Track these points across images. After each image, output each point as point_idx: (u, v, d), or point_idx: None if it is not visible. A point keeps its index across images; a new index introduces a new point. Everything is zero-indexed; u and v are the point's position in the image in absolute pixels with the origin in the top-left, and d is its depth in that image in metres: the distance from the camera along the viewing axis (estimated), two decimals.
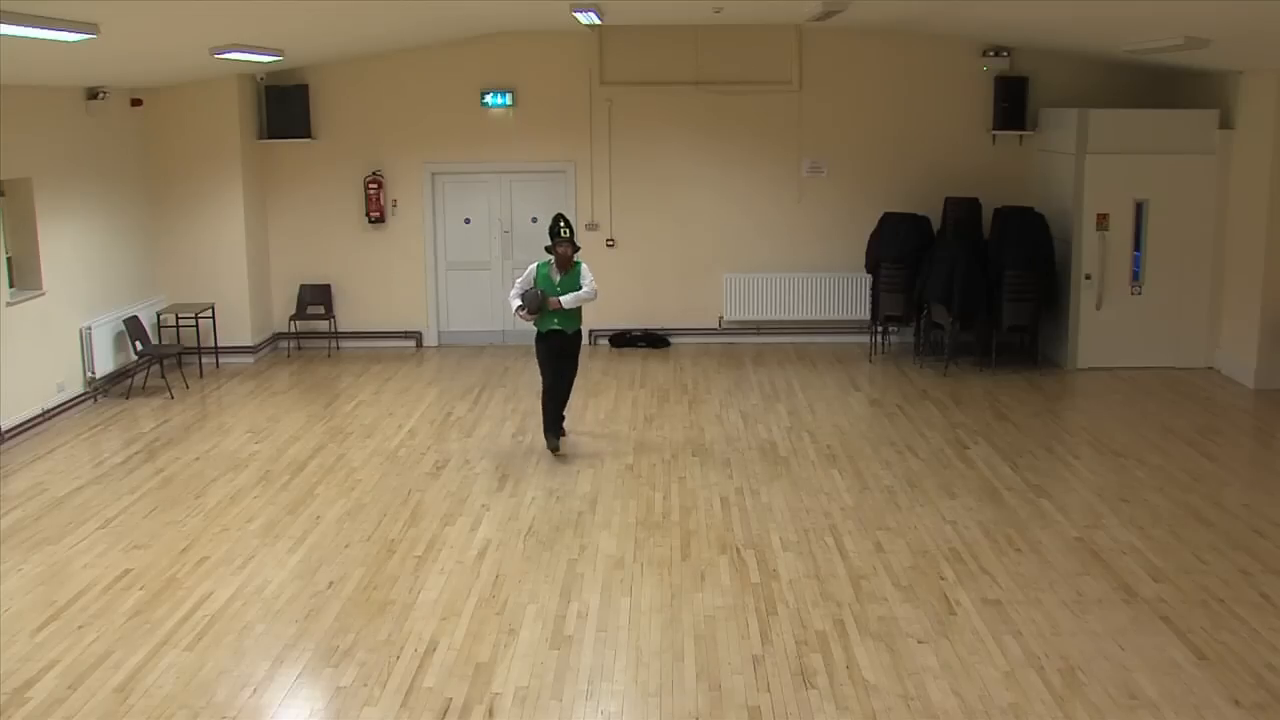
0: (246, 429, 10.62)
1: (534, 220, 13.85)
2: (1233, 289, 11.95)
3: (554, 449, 9.69)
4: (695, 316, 13.88)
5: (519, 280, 9.68)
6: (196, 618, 6.71)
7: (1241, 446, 9.98)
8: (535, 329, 9.68)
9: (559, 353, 9.67)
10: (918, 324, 13.06)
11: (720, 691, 5.80)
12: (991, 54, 13.25)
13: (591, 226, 13.75)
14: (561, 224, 9.59)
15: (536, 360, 9.81)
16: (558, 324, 9.58)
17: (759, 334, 13.94)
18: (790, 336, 13.86)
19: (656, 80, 13.47)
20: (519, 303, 9.51)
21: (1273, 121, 11.16)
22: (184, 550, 7.73)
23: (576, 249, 9.72)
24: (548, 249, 9.64)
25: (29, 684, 5.95)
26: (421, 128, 13.60)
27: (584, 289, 9.59)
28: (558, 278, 9.57)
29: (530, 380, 12.30)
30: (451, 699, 5.77)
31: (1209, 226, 12.11)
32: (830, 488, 8.81)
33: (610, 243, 13.77)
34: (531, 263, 9.85)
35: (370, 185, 13.60)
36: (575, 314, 9.70)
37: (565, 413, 9.94)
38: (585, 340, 13.93)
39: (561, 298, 9.48)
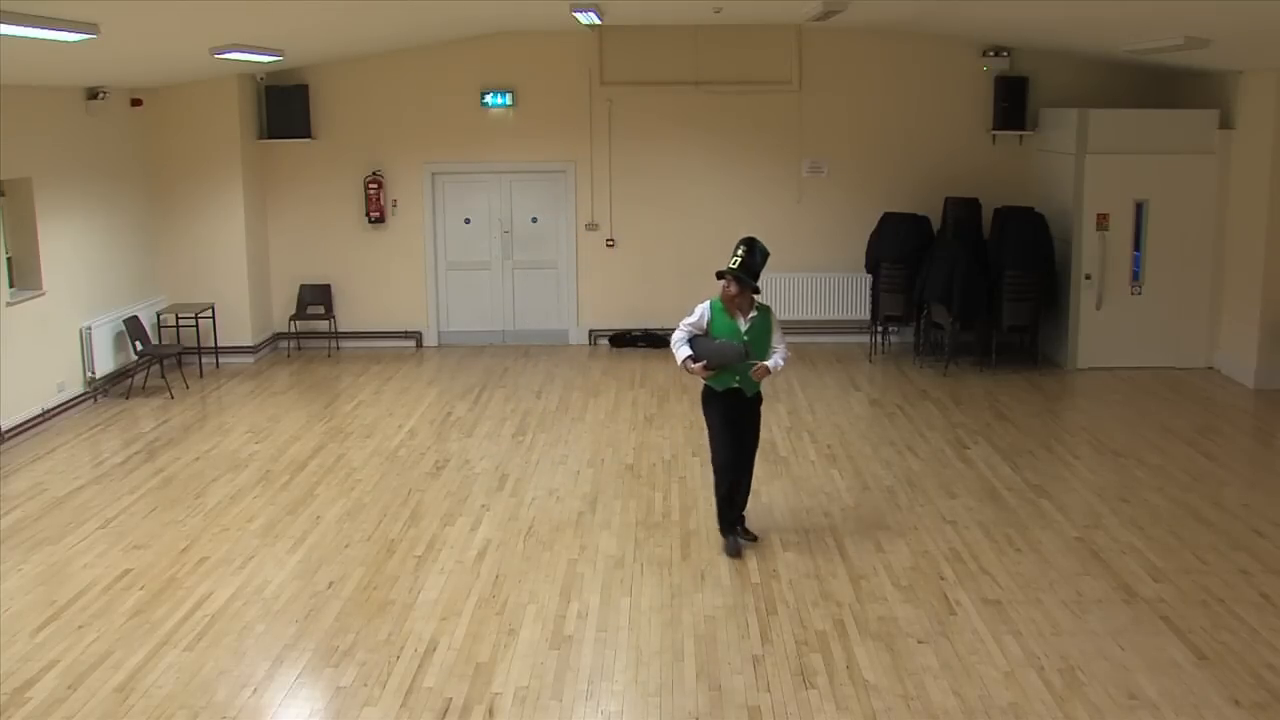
0: (246, 429, 10.62)
1: (534, 220, 13.86)
2: (1233, 289, 11.95)
3: (734, 553, 7.45)
4: None
5: (686, 322, 7.44)
6: (196, 618, 6.71)
7: (1241, 446, 9.98)
8: (701, 381, 7.57)
9: (736, 420, 7.47)
10: (918, 324, 13.06)
11: (720, 691, 5.80)
12: (991, 54, 13.25)
13: (591, 226, 13.75)
14: (739, 250, 7.31)
15: (706, 422, 7.62)
16: (738, 382, 7.39)
17: None
18: (790, 336, 13.64)
19: (656, 80, 13.47)
20: (688, 351, 7.37)
21: (1273, 121, 11.16)
22: (184, 550, 7.73)
23: (757, 290, 7.40)
24: (719, 276, 7.40)
25: (29, 684, 5.95)
26: (421, 128, 13.60)
27: (780, 355, 7.45)
28: (743, 325, 7.35)
29: (529, 381, 12.32)
30: (451, 699, 5.77)
31: (1209, 226, 12.11)
32: (830, 488, 8.81)
33: (610, 243, 13.78)
34: (702, 302, 7.49)
35: (370, 185, 13.60)
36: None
37: (745, 510, 7.75)
38: (585, 340, 14.06)
39: (769, 363, 7.37)
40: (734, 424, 7.45)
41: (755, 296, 7.44)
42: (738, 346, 7.26)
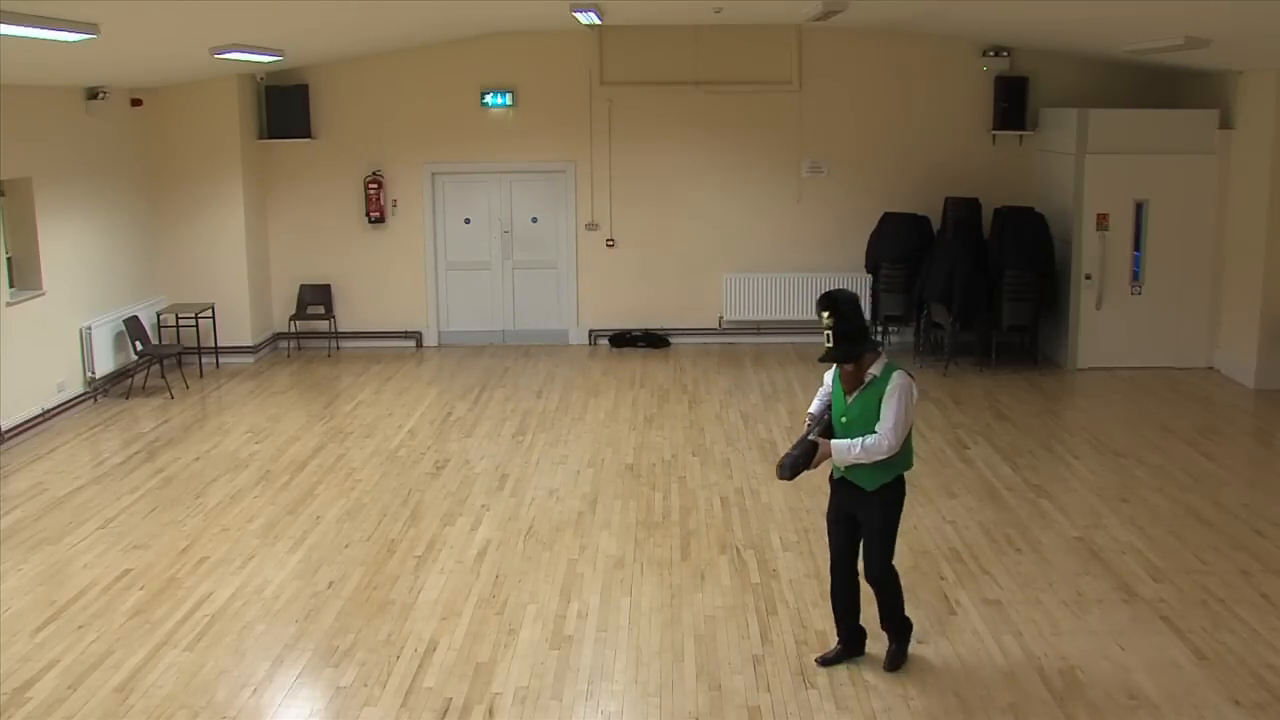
0: (246, 429, 10.62)
1: (534, 220, 13.86)
2: (1233, 289, 11.95)
3: (825, 662, 6.13)
4: (695, 316, 13.87)
5: (822, 390, 6.17)
6: (196, 618, 6.71)
7: (1241, 446, 9.98)
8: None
9: (848, 517, 6.01)
10: (918, 324, 13.06)
11: (720, 691, 5.80)
12: (991, 54, 13.25)
13: (591, 226, 13.75)
14: (824, 317, 5.68)
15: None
16: (843, 470, 5.95)
17: (759, 334, 13.93)
18: (790, 336, 13.86)
19: (656, 80, 13.47)
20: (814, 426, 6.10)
21: (1273, 121, 11.15)
22: (184, 550, 7.73)
23: (873, 351, 5.77)
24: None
25: (29, 684, 5.95)
26: (421, 128, 13.60)
27: (871, 437, 5.67)
28: (849, 399, 5.83)
29: (529, 381, 12.32)
30: (451, 699, 5.77)
31: (1209, 226, 12.11)
32: (829, 488, 8.78)
33: (610, 243, 13.78)
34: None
35: (370, 185, 13.60)
36: (883, 461, 5.79)
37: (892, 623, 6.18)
38: (585, 340, 14.05)
39: (834, 443, 5.78)
40: (844, 521, 6.04)
41: (877, 359, 5.78)
42: (794, 454, 5.86)
